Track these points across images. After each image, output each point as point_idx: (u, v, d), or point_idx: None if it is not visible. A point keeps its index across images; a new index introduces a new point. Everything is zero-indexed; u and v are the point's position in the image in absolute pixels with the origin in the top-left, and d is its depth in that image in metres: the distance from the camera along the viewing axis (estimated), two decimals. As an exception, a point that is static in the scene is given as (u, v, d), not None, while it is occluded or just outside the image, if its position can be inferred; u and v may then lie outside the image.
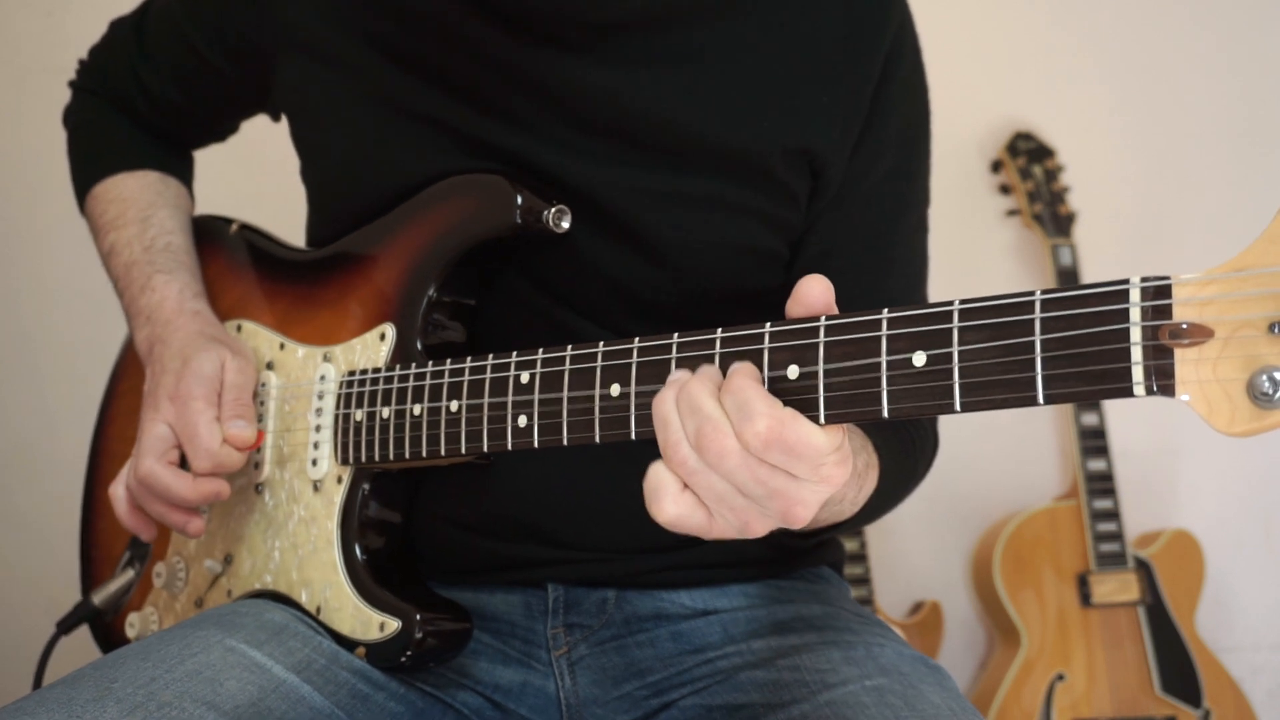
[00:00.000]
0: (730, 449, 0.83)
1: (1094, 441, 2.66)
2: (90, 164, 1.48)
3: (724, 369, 0.89)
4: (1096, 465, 2.65)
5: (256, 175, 2.23)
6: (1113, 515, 2.63)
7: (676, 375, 0.90)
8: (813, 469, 0.84)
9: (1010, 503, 2.78)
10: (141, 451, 1.21)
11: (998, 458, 2.83)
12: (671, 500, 0.87)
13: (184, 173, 1.51)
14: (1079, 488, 2.65)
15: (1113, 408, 2.70)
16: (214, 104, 1.45)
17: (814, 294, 0.87)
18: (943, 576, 2.82)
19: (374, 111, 1.22)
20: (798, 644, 1.16)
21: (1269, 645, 2.86)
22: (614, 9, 1.15)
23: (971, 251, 2.90)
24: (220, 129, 1.54)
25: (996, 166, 2.88)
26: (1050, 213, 2.75)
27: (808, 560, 1.34)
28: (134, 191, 1.43)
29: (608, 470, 1.20)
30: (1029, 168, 2.78)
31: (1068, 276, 2.70)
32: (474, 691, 1.22)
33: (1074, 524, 2.65)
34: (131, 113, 1.48)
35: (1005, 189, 2.87)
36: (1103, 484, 2.64)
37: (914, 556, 2.82)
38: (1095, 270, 2.77)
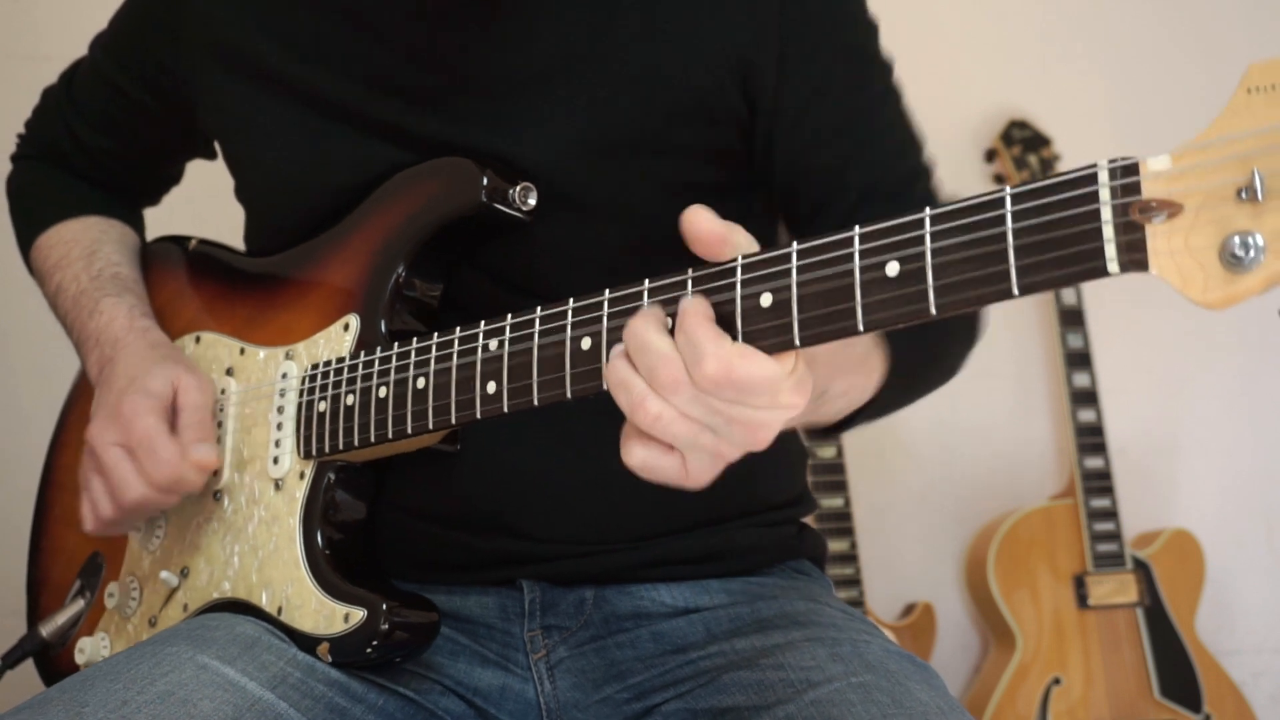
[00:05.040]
0: (682, 381, 0.86)
1: (1091, 439, 2.66)
2: (31, 219, 1.49)
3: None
4: (1094, 463, 2.66)
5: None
6: (1110, 514, 2.63)
7: (618, 346, 0.92)
8: (770, 399, 0.87)
9: (1005, 501, 2.78)
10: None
11: (992, 455, 2.85)
12: (668, 463, 0.90)
13: (129, 218, 1.52)
14: (1076, 486, 2.65)
15: (1111, 404, 2.69)
16: (148, 148, 1.46)
17: (699, 225, 0.90)
18: (935, 577, 2.83)
19: (298, 115, 1.24)
20: (782, 642, 1.14)
21: (1271, 648, 2.87)
22: None
23: (965, 244, 2.88)
24: (160, 175, 1.54)
25: (990, 155, 2.91)
26: (1046, 203, 2.73)
27: (789, 554, 1.33)
28: (76, 233, 1.44)
29: (576, 460, 1.20)
30: (1024, 156, 2.80)
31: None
32: (455, 695, 1.21)
33: (1071, 523, 2.65)
34: (70, 168, 1.50)
35: (1000, 179, 2.89)
36: (1100, 482, 2.64)
37: (906, 556, 2.82)
38: (1092, 263, 2.77)
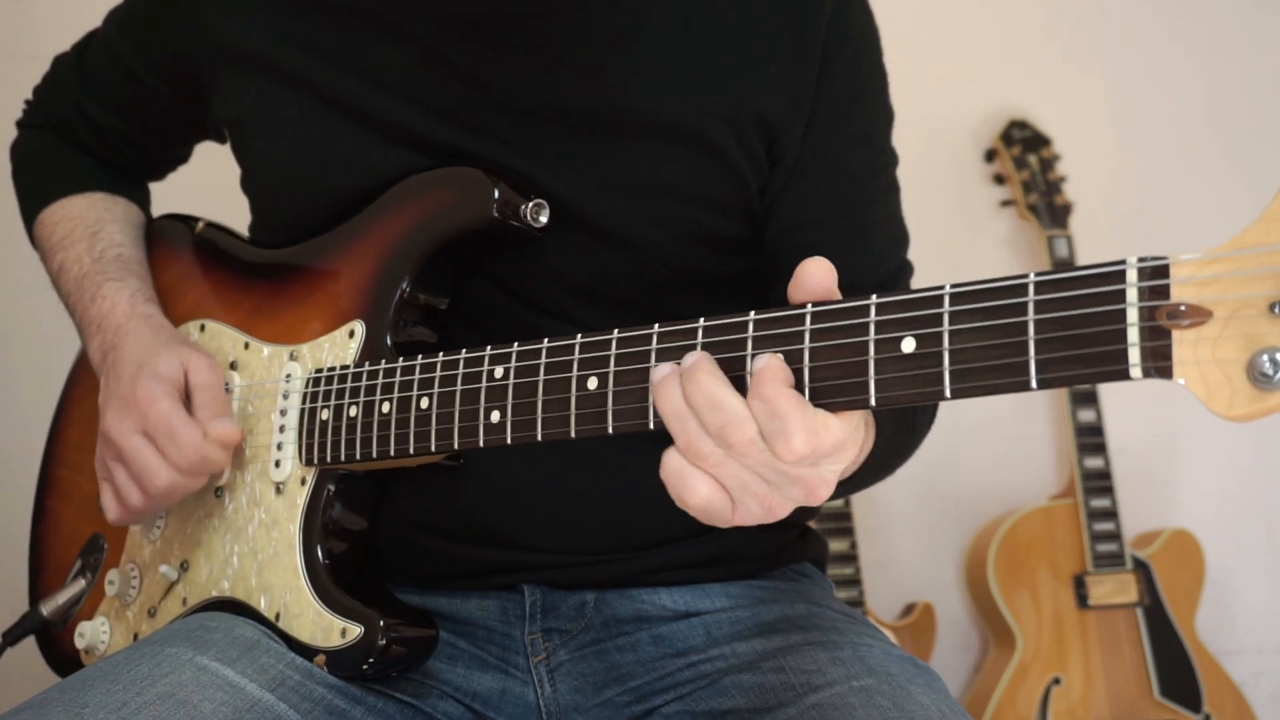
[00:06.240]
0: (757, 444, 0.84)
1: (1091, 439, 2.65)
2: (36, 192, 1.48)
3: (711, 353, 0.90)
4: (1094, 463, 2.65)
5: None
6: (1110, 514, 2.63)
7: (665, 369, 0.89)
8: (836, 458, 0.86)
9: (1005, 501, 2.78)
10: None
11: (992, 455, 2.83)
12: (702, 482, 0.87)
13: (135, 195, 1.51)
14: (1076, 486, 2.64)
15: (1111, 404, 2.69)
16: (157, 130, 1.45)
17: (815, 277, 0.87)
18: (935, 577, 2.82)
19: (314, 114, 1.23)
20: (783, 645, 1.15)
21: (1271, 648, 2.86)
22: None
23: (964, 244, 2.90)
24: (168, 156, 1.53)
25: (990, 156, 2.89)
26: (1046, 203, 2.74)
27: (791, 557, 1.33)
28: (81, 211, 1.43)
29: (579, 473, 1.20)
30: (1024, 157, 2.79)
31: (1064, 269, 2.67)
32: (454, 700, 1.21)
33: (1070, 523, 2.64)
34: (76, 142, 1.48)
35: (1000, 179, 2.89)
36: (1100, 482, 2.64)
37: (905, 557, 2.81)
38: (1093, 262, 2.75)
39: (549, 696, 1.21)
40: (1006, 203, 2.85)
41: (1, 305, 2.68)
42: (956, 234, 2.88)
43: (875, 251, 1.24)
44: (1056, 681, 2.53)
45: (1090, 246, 2.77)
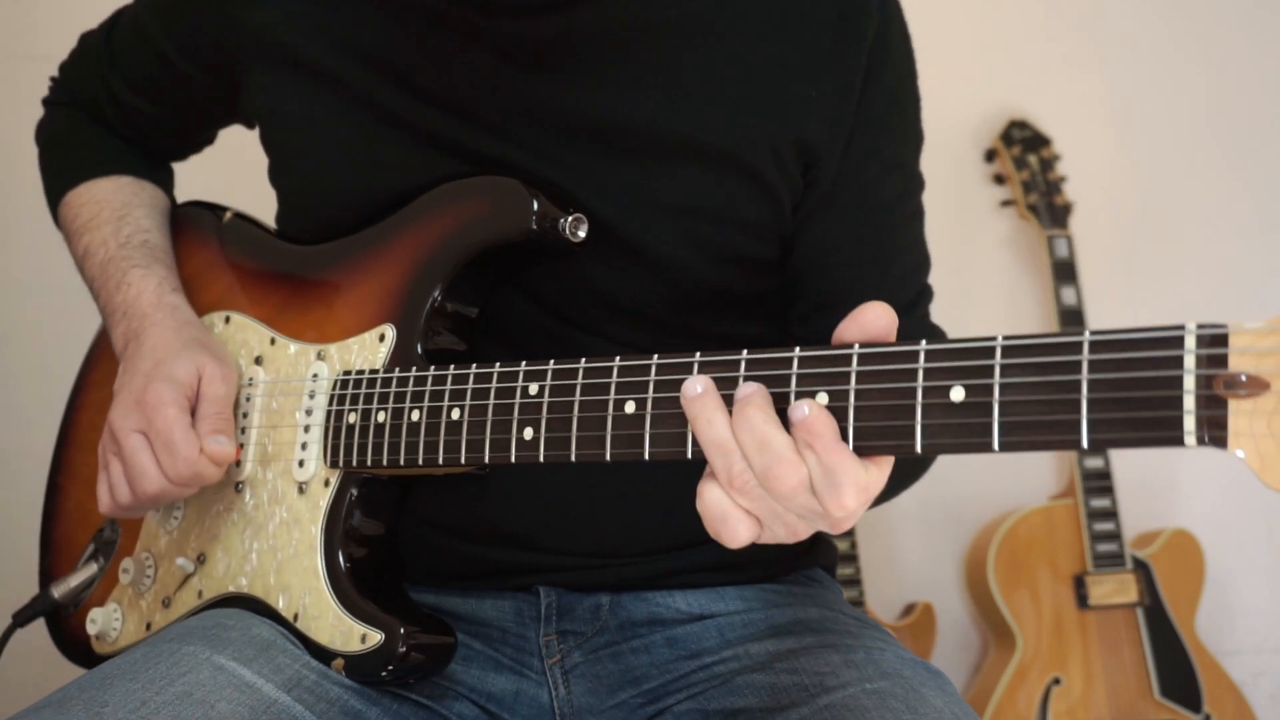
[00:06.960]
0: (802, 488, 0.84)
1: (1091, 438, 2.62)
2: (62, 172, 1.47)
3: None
4: (1094, 463, 2.65)
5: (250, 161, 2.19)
6: (1110, 514, 2.62)
7: (699, 384, 0.88)
8: (869, 497, 0.86)
9: (1005, 501, 2.77)
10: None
11: (992, 455, 2.79)
12: (745, 527, 0.88)
13: (160, 179, 1.50)
14: (1076, 486, 2.64)
15: (1111, 404, 2.67)
16: (186, 114, 1.44)
17: (879, 323, 0.86)
18: (935, 577, 2.82)
19: (351, 116, 1.22)
20: (796, 647, 1.15)
21: (1271, 648, 2.86)
22: (588, 19, 1.15)
23: (964, 244, 2.90)
24: (195, 139, 1.52)
25: (990, 155, 2.89)
26: (1046, 203, 2.74)
27: (802, 562, 1.34)
28: (108, 194, 1.42)
29: (596, 477, 1.20)
30: (1024, 156, 2.79)
31: (1064, 269, 2.68)
32: (469, 701, 1.21)
33: (1070, 523, 2.64)
34: (104, 122, 1.47)
35: (999, 179, 2.89)
36: (1100, 482, 2.63)
37: (906, 556, 2.81)
38: (1093, 263, 2.77)
39: (563, 698, 1.22)
40: (1006, 203, 2.85)
41: (1, 305, 2.68)
42: (956, 234, 2.87)
43: (898, 276, 1.24)
44: (1056, 681, 2.53)
45: (1090, 246, 2.78)
